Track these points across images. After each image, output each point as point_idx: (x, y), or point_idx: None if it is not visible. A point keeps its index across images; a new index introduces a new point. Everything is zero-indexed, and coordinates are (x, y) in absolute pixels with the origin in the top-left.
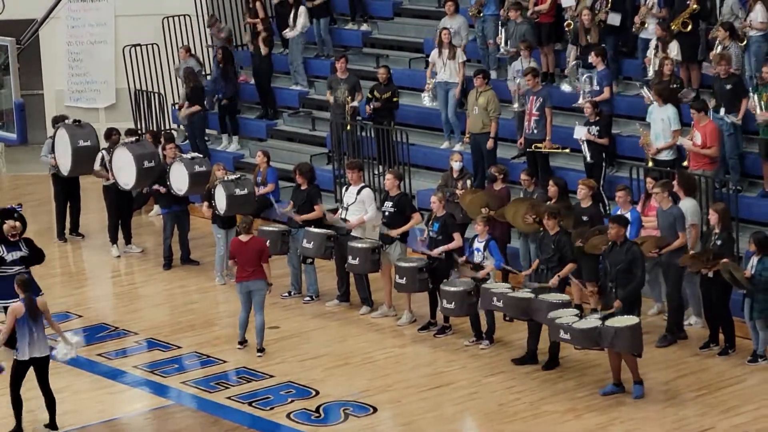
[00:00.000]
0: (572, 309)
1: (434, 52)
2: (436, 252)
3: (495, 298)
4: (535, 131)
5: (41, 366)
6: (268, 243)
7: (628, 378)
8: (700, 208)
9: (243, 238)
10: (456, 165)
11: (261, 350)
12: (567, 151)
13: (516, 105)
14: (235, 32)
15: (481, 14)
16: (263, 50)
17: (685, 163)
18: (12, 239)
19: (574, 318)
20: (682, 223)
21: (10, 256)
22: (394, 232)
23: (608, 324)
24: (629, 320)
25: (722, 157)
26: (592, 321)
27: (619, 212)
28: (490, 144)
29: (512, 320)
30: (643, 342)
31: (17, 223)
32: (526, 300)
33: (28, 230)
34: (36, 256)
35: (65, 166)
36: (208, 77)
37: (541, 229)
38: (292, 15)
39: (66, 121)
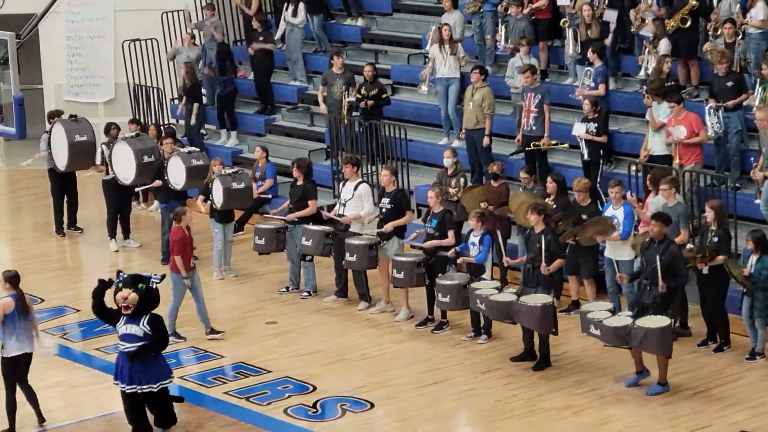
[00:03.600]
0: (605, 303)
1: (434, 48)
2: (428, 244)
3: (478, 301)
4: (534, 128)
5: (24, 362)
6: (263, 241)
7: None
8: (689, 203)
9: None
10: (447, 162)
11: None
12: (566, 146)
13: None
14: (234, 27)
15: (481, 10)
16: (258, 46)
17: (677, 162)
18: (124, 311)
19: (606, 314)
20: (686, 221)
21: (123, 329)
22: (388, 227)
23: (639, 324)
24: (660, 321)
25: (723, 154)
26: (624, 319)
27: (611, 208)
28: (485, 141)
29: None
30: (672, 343)
31: (131, 294)
32: (507, 303)
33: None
34: (157, 339)
35: (62, 162)
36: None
37: (527, 229)
38: (291, 10)
39: (62, 116)
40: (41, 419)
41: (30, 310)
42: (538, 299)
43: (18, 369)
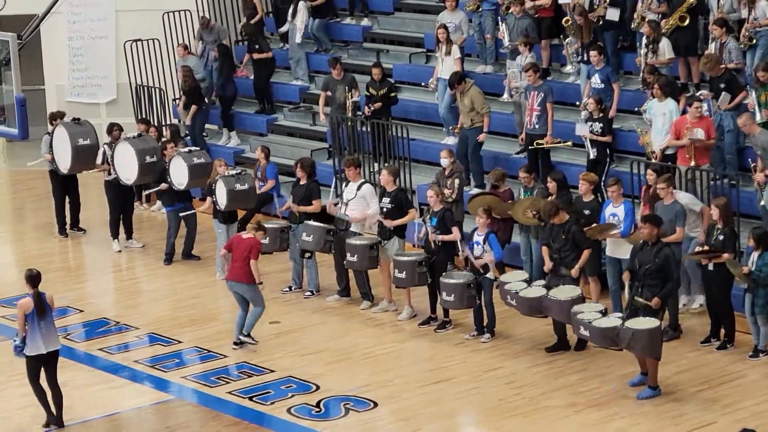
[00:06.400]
0: (597, 305)
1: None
2: (434, 237)
3: (509, 297)
4: (537, 126)
5: (50, 361)
6: (267, 240)
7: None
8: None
9: (244, 235)
10: (444, 162)
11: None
12: (569, 144)
13: (505, 96)
14: (235, 28)
15: (480, 9)
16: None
17: (692, 162)
18: None
19: (596, 315)
20: (682, 219)
21: None
22: (390, 223)
23: (627, 325)
24: (649, 323)
25: (719, 153)
26: (613, 320)
27: (610, 206)
28: (482, 137)
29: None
30: (661, 345)
31: None
32: (537, 299)
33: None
34: None
35: (65, 164)
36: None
37: (543, 223)
38: (291, 10)
39: (65, 119)
40: (60, 423)
41: (48, 311)
42: (567, 293)
43: (39, 367)
